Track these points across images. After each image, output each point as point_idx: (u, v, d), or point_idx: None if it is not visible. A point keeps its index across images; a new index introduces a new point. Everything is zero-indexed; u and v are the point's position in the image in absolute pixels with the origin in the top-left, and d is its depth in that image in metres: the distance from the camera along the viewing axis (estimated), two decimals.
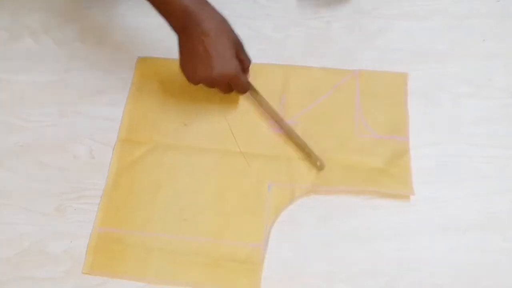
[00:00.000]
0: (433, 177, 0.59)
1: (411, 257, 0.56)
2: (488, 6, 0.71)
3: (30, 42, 0.70)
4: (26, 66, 0.68)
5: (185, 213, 0.58)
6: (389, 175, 0.59)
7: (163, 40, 0.68)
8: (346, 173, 0.59)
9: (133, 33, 0.70)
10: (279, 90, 0.64)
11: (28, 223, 0.58)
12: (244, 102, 0.64)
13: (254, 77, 0.64)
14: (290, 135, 0.61)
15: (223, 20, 0.58)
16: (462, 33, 0.69)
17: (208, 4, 0.57)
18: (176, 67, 0.59)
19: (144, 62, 0.68)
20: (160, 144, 0.62)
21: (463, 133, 0.62)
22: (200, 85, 0.59)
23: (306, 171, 0.60)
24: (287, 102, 0.64)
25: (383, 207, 0.58)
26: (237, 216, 0.58)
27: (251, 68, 0.63)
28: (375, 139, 0.61)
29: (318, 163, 0.59)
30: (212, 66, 0.56)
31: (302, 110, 0.63)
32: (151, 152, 0.62)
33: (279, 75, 0.66)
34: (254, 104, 0.64)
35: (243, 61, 0.61)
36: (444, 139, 0.62)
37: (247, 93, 0.63)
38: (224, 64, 0.57)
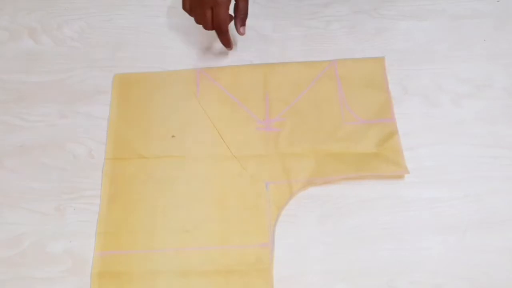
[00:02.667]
0: (433, 177, 0.59)
1: (411, 257, 0.56)
2: (489, 6, 0.71)
3: (30, 42, 0.70)
4: (26, 66, 0.68)
5: (187, 225, 0.57)
6: (381, 158, 0.60)
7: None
8: (340, 162, 0.60)
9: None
10: (262, 90, 0.65)
11: (27, 223, 0.58)
12: (229, 107, 0.64)
13: (235, 80, 0.65)
14: None
15: None
16: (462, 33, 0.69)
17: None
18: (156, 80, 0.61)
19: (121, 79, 0.66)
20: (150, 159, 0.61)
21: (463, 133, 0.62)
22: (181, 95, 0.63)
23: (301, 165, 0.60)
24: (271, 100, 0.64)
25: (383, 207, 0.58)
26: (239, 219, 0.58)
27: (231, 70, 0.65)
28: (363, 125, 0.62)
29: None
30: None
31: (287, 106, 0.64)
32: (142, 168, 0.61)
33: (260, 75, 0.66)
34: (240, 108, 0.64)
35: (238, 7, 0.62)
36: (444, 139, 0.62)
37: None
38: None
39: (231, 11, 0.62)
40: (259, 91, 0.65)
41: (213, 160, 0.61)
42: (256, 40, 0.69)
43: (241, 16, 0.63)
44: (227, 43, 0.64)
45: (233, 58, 0.68)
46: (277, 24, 0.70)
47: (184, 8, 0.62)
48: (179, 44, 0.69)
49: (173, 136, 0.62)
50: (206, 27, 0.62)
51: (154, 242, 0.57)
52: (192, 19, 0.62)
